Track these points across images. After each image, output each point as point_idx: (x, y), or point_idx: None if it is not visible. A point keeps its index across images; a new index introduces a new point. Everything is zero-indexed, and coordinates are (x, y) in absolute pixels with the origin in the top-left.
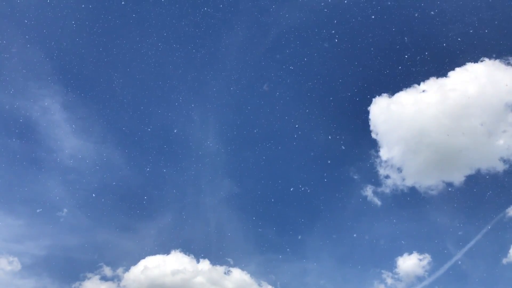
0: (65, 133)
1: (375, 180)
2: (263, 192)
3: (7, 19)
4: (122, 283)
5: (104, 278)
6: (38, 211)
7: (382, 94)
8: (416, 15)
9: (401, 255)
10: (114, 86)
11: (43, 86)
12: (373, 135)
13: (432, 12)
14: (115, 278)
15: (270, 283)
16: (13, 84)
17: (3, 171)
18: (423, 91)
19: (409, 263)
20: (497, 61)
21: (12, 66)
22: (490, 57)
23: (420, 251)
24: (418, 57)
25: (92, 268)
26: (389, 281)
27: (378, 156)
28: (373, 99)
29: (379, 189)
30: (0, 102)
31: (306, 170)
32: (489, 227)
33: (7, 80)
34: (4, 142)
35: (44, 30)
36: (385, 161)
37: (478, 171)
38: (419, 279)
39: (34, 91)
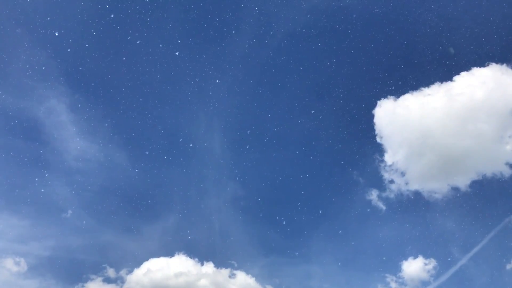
0: (70, 134)
1: (380, 185)
2: (267, 195)
3: (13, 20)
4: (125, 286)
5: (107, 280)
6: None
7: (388, 96)
8: (422, 18)
9: (406, 259)
10: (120, 88)
11: (49, 87)
12: (378, 139)
13: (438, 16)
14: (118, 280)
15: (274, 287)
16: (19, 85)
17: (8, 171)
18: (429, 94)
19: (414, 267)
20: (504, 65)
21: (18, 67)
22: (496, 62)
23: (426, 256)
24: (424, 61)
25: (96, 269)
26: (393, 285)
27: (382, 161)
28: (378, 102)
29: (384, 194)
30: (6, 102)
31: (310, 173)
32: (495, 233)
33: (13, 81)
34: (9, 143)
35: (50, 31)
36: (390, 166)
37: (484, 176)
38: (424, 283)
39: (40, 92)
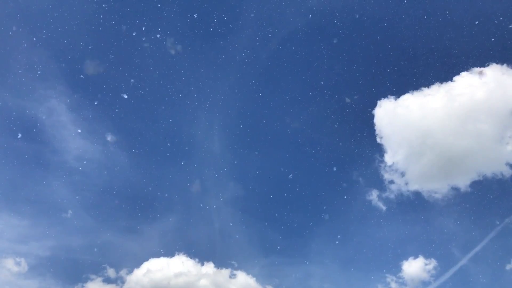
0: (70, 134)
1: (380, 185)
2: (267, 195)
3: (13, 20)
4: (125, 286)
5: (107, 280)
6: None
7: (388, 96)
8: (422, 18)
9: (406, 259)
10: (120, 88)
11: (49, 87)
12: (378, 139)
13: (438, 16)
14: (118, 280)
15: (275, 287)
16: (20, 85)
17: (8, 171)
18: (429, 94)
19: (414, 267)
20: (504, 65)
21: (18, 66)
22: (497, 62)
23: (426, 256)
24: (425, 61)
25: (96, 269)
26: (394, 285)
27: (382, 161)
28: (378, 102)
29: (384, 194)
30: (6, 102)
31: (310, 173)
32: (495, 233)
33: (13, 80)
34: (10, 143)
35: (50, 31)
36: (390, 166)
37: (485, 176)
38: (425, 283)
39: (40, 92)
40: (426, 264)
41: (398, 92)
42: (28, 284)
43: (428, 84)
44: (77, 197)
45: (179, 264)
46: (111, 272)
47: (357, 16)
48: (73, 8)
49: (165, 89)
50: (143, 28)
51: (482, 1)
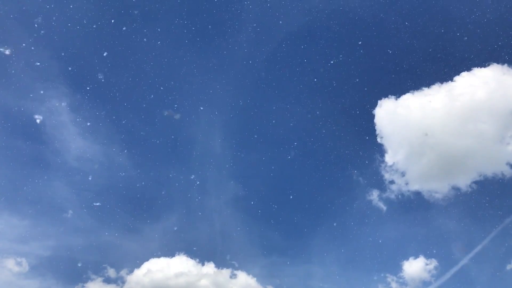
0: (71, 135)
1: (380, 185)
2: (268, 195)
3: (14, 20)
4: (126, 286)
5: (107, 280)
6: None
7: (388, 96)
8: (422, 18)
9: (407, 259)
10: (121, 88)
11: (50, 87)
12: (378, 139)
13: (438, 16)
14: (119, 280)
15: (275, 287)
16: (20, 85)
17: (9, 171)
18: (430, 94)
19: (415, 267)
20: (505, 65)
21: (19, 67)
22: (498, 62)
23: (427, 256)
24: (425, 60)
25: (96, 269)
26: (394, 285)
27: (383, 161)
28: (379, 102)
29: (384, 194)
30: (7, 102)
31: (311, 173)
32: (496, 233)
33: (14, 80)
34: (10, 143)
35: (51, 31)
36: (390, 166)
37: (485, 176)
38: (425, 283)
39: (41, 92)
40: (426, 264)
41: (398, 92)
42: (29, 284)
43: (428, 84)
44: (77, 197)
45: (180, 264)
46: (111, 272)
47: (357, 16)
48: (73, 7)
49: (165, 89)
50: (143, 28)
51: (482, 1)
